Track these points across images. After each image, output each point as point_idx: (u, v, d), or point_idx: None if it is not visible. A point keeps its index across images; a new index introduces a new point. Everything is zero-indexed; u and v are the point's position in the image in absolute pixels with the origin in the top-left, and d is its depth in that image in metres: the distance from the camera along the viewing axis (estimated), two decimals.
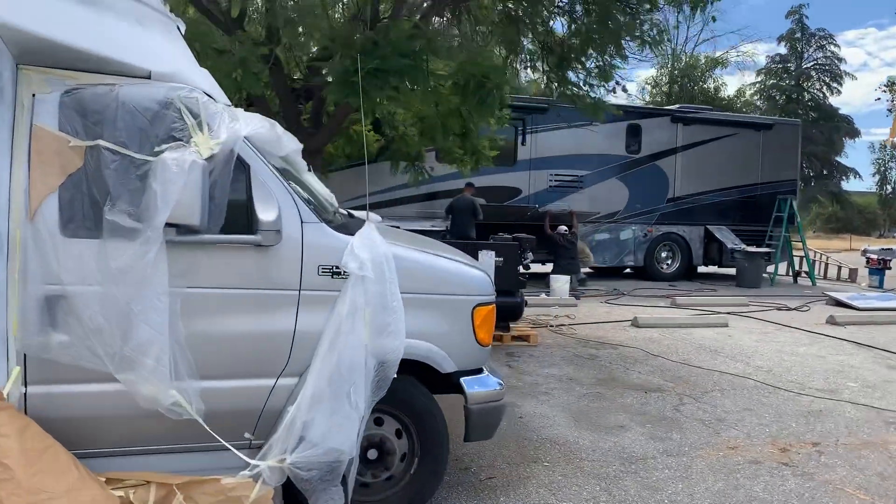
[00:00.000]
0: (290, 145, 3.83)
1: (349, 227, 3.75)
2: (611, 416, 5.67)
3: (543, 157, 14.70)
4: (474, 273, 3.87)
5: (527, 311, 10.32)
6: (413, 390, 3.72)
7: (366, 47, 7.69)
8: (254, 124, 3.46)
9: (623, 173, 15.35)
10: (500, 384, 3.98)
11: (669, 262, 16.02)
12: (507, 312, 8.13)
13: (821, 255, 20.16)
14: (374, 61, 7.49)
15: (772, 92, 47.09)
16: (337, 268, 3.42)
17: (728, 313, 10.95)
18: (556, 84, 8.91)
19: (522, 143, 14.54)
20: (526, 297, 11.06)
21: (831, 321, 10.45)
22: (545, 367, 7.15)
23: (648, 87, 35.74)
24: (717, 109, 20.64)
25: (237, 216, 3.31)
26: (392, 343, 3.44)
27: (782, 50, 48.35)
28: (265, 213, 3.31)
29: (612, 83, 8.92)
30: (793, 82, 46.85)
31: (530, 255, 8.38)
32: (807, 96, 46.99)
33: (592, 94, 9.27)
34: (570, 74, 8.78)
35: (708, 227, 16.01)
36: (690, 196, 15.94)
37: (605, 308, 11.37)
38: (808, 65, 47.71)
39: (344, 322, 3.37)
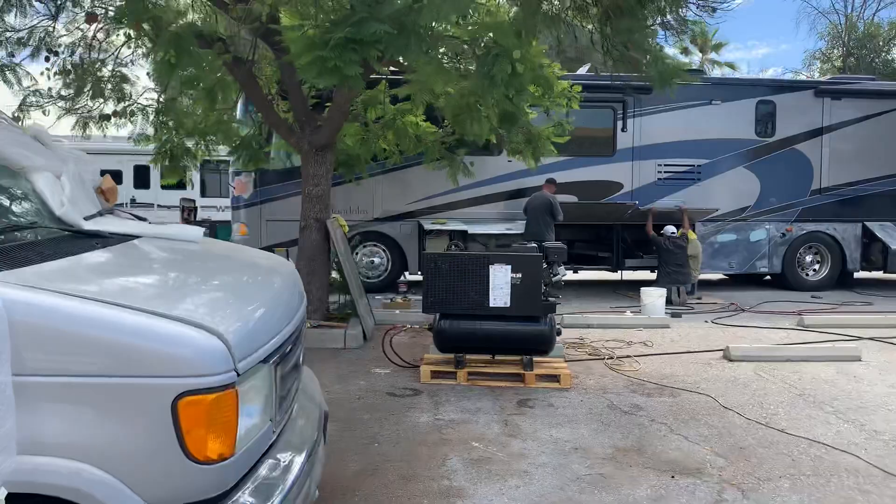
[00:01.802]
0: None
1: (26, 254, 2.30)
2: None
3: (650, 145, 12.45)
4: (183, 337, 2.20)
5: (600, 335, 8.41)
6: None
7: (339, 12, 6.20)
8: None
9: (753, 161, 12.72)
10: None
11: (816, 267, 13.13)
12: (530, 344, 6.34)
13: None
14: (344, 29, 5.98)
15: None
16: None
17: (870, 339, 8.34)
18: (604, 46, 6.94)
19: (623, 129, 12.38)
20: (617, 313, 8.88)
21: None
22: (555, 425, 5.28)
23: (818, 63, 31.29)
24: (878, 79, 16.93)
25: None
26: None
27: None
28: None
29: (675, 40, 6.82)
30: None
31: (562, 270, 6.49)
32: None
33: (664, 58, 7.21)
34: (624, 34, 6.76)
35: (867, 223, 12.96)
36: (843, 186, 12.95)
37: (705, 330, 9.11)
38: None
39: None
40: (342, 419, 5.32)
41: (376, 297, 10.80)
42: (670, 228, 11.61)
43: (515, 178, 12.11)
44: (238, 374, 2.28)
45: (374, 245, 12.03)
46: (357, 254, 11.94)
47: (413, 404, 5.78)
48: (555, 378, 6.32)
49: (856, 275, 13.58)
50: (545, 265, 6.36)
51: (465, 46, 6.61)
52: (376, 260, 11.98)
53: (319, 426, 3.19)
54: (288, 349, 2.88)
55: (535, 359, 6.47)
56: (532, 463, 4.57)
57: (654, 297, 9.71)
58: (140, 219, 3.72)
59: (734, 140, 12.64)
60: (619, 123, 12.36)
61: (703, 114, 12.46)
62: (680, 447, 4.86)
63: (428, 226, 11.75)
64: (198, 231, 3.37)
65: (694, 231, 12.14)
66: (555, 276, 6.42)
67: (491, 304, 6.20)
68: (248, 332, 2.45)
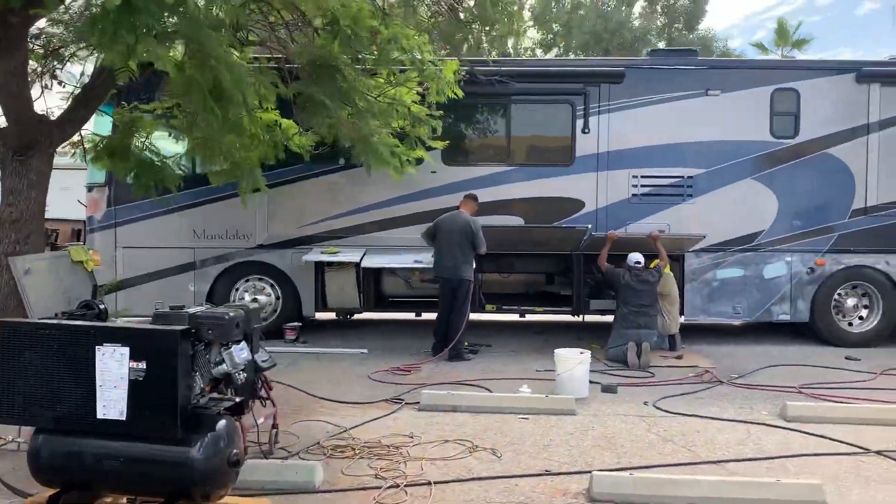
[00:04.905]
0: None
1: None
2: None
3: (621, 151, 9.39)
4: None
5: (454, 427, 5.66)
6: None
7: None
8: None
9: (767, 170, 9.40)
10: None
11: (865, 313, 9.64)
12: (168, 483, 3.67)
13: None
14: None
15: None
16: None
17: (878, 453, 5.12)
18: None
19: (584, 130, 9.39)
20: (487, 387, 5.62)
21: None
22: None
23: None
24: None
25: None
26: None
27: None
28: None
29: None
30: None
31: (238, 354, 3.76)
32: None
33: None
34: None
35: None
36: None
37: (627, 422, 6.08)
38: None
39: None
40: None
41: None
42: (634, 257, 8.59)
43: (444, 193, 9.37)
44: None
45: (259, 279, 9.55)
46: (237, 290, 9.51)
47: None
48: None
49: None
50: (195, 346, 3.68)
51: None
52: (262, 298, 9.45)
53: None
54: None
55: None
56: None
57: (572, 364, 6.74)
58: None
59: (740, 142, 9.40)
60: (580, 122, 9.38)
61: (696, 107, 9.33)
62: None
63: (309, 256, 9.15)
64: None
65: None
66: (215, 364, 3.72)
67: (99, 416, 3.58)
68: None
